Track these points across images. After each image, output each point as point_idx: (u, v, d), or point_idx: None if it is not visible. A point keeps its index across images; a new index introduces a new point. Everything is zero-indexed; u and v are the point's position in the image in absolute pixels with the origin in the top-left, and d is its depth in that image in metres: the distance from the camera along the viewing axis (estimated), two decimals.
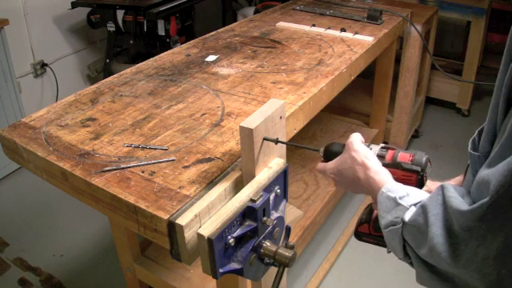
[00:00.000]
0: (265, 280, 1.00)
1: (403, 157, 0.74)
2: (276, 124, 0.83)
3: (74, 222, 2.18)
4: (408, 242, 0.64)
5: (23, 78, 2.70)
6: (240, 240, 0.76)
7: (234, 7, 3.72)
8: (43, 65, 2.81)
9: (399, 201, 0.66)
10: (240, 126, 0.77)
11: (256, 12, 2.98)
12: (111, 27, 2.73)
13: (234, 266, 0.75)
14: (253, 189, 0.79)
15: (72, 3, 2.69)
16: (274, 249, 0.78)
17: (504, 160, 0.50)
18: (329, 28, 1.74)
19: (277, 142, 0.82)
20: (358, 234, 0.90)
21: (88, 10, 2.79)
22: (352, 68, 1.44)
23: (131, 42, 2.77)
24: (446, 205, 0.58)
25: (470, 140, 0.66)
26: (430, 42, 2.47)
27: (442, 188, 0.60)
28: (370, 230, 0.88)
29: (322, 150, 0.86)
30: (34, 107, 2.48)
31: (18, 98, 2.50)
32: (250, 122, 0.77)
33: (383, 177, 0.72)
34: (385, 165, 0.75)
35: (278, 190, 0.85)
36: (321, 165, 0.84)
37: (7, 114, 2.43)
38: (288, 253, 0.78)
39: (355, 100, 2.59)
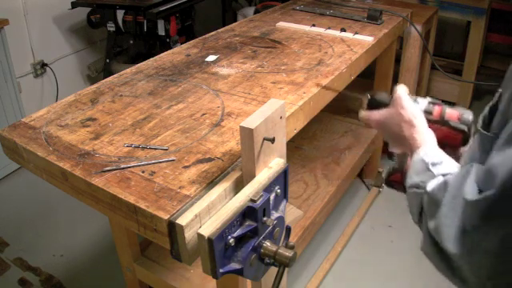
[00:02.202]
0: (265, 280, 0.99)
1: (451, 115, 0.74)
2: (276, 124, 0.83)
3: (74, 222, 2.18)
4: (424, 209, 0.65)
5: (23, 78, 2.70)
6: (240, 240, 0.76)
7: (234, 7, 3.72)
8: (43, 65, 2.81)
9: (430, 167, 0.67)
10: (240, 126, 0.77)
11: (256, 12, 2.98)
12: (111, 27, 2.73)
13: (235, 266, 0.75)
14: (253, 189, 0.79)
15: (72, 3, 2.69)
16: (275, 249, 0.78)
17: (510, 149, 0.49)
18: (329, 28, 1.74)
19: (273, 141, 0.82)
20: (390, 183, 0.89)
21: (88, 9, 2.79)
22: (352, 68, 1.44)
23: (131, 42, 2.77)
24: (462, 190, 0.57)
25: (481, 116, 0.64)
26: (430, 42, 2.48)
27: (468, 171, 0.57)
28: (401, 179, 0.84)
29: (366, 98, 0.84)
30: (34, 107, 2.48)
31: (18, 98, 2.50)
32: (250, 121, 0.77)
33: (425, 138, 0.73)
34: (432, 121, 0.75)
35: (278, 190, 0.85)
36: (366, 113, 0.84)
37: (7, 114, 2.43)
38: (288, 253, 0.78)
39: (355, 100, 2.58)
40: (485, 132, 0.61)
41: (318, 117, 1.30)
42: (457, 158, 0.79)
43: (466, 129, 0.73)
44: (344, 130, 2.32)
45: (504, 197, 0.48)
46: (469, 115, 0.75)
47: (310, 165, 2.02)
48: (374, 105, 0.84)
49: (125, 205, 0.83)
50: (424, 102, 0.78)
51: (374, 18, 1.82)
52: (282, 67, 1.38)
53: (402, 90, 0.79)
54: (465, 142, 0.75)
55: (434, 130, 0.75)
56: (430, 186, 0.64)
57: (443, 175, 0.65)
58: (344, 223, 2.12)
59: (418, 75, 2.41)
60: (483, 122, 0.63)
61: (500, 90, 0.63)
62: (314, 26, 1.77)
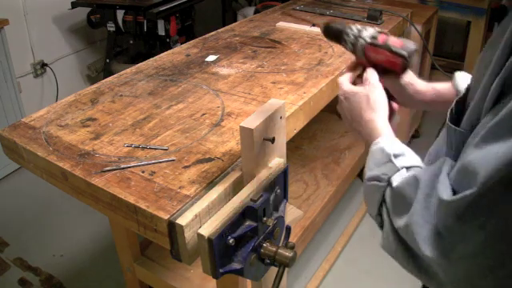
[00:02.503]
0: (265, 280, 1.00)
1: (394, 41, 0.79)
2: (276, 124, 0.83)
3: (74, 222, 2.18)
4: (387, 204, 0.61)
5: (23, 78, 2.70)
6: (240, 240, 0.76)
7: (234, 7, 3.72)
8: (43, 65, 2.81)
9: (393, 159, 0.64)
10: (240, 126, 0.77)
11: (256, 12, 2.98)
12: (111, 27, 2.73)
13: (234, 266, 0.75)
14: (253, 189, 0.79)
15: (72, 3, 2.69)
16: (274, 249, 0.78)
17: (491, 146, 0.46)
18: None
19: (273, 141, 0.82)
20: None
21: (88, 9, 2.79)
22: None
23: (131, 42, 2.77)
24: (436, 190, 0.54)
25: (448, 110, 0.62)
26: (429, 42, 2.47)
27: (440, 167, 0.55)
28: None
29: (321, 25, 0.90)
30: (34, 107, 2.47)
31: (18, 98, 2.50)
32: (250, 121, 0.77)
33: (384, 128, 0.71)
34: (377, 45, 0.80)
35: (278, 190, 0.85)
36: (344, 79, 0.81)
37: (7, 114, 2.43)
38: (288, 253, 0.78)
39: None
40: (453, 126, 0.59)
41: (317, 117, 1.30)
42: (397, 90, 0.84)
43: (406, 54, 0.78)
44: (344, 129, 2.32)
45: (486, 195, 0.45)
46: (411, 44, 0.79)
47: (310, 165, 2.02)
48: (330, 32, 0.88)
49: (125, 205, 0.83)
50: (372, 30, 0.83)
51: (374, 17, 1.82)
52: (282, 67, 1.38)
53: (374, 78, 0.78)
54: (404, 68, 0.80)
55: (377, 53, 0.80)
56: (396, 180, 0.61)
57: (406, 168, 0.62)
58: (344, 223, 2.12)
59: (418, 75, 2.41)
60: (451, 116, 0.61)
61: (468, 84, 0.62)
62: (314, 25, 1.77)
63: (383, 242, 0.63)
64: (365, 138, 0.74)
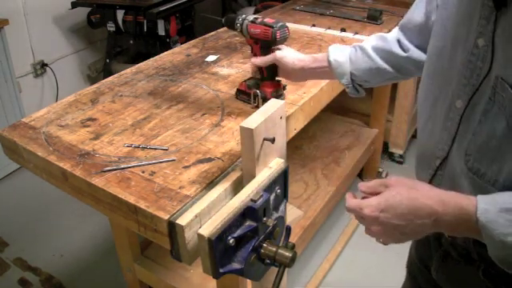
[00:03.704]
0: (265, 280, 0.99)
1: (267, 19, 1.03)
2: (276, 124, 0.83)
3: (74, 222, 2.18)
4: None
5: (23, 78, 2.70)
6: (240, 240, 0.76)
7: (233, 7, 3.72)
8: (43, 65, 2.81)
9: None
10: (240, 126, 0.77)
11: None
12: (111, 27, 2.73)
13: (235, 266, 0.75)
14: (253, 189, 0.79)
15: (72, 3, 2.69)
16: (275, 249, 0.78)
17: None
18: (329, 28, 1.74)
19: (273, 141, 0.82)
20: (237, 91, 1.18)
21: (88, 9, 2.79)
22: None
23: (131, 42, 2.77)
24: None
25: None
26: None
27: None
28: (245, 88, 1.14)
29: (224, 20, 1.10)
30: (34, 107, 2.48)
31: (18, 98, 2.50)
32: (251, 122, 0.77)
33: (457, 194, 0.63)
34: (255, 22, 1.03)
35: (278, 190, 0.85)
36: (355, 202, 0.70)
37: (7, 114, 2.43)
38: (288, 253, 0.78)
39: (355, 100, 2.58)
40: None
41: (317, 117, 1.30)
42: (283, 62, 1.01)
43: (273, 25, 1.00)
44: (344, 129, 2.32)
45: None
46: (280, 21, 1.02)
47: (310, 165, 2.02)
48: (228, 21, 1.09)
49: (125, 205, 0.83)
50: (253, 15, 1.07)
51: (374, 17, 1.82)
52: None
53: (380, 181, 0.71)
54: (274, 36, 1.00)
55: (255, 28, 1.03)
56: None
57: None
58: (344, 223, 2.12)
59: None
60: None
61: None
62: (314, 26, 1.77)
63: None
64: (447, 220, 0.63)
